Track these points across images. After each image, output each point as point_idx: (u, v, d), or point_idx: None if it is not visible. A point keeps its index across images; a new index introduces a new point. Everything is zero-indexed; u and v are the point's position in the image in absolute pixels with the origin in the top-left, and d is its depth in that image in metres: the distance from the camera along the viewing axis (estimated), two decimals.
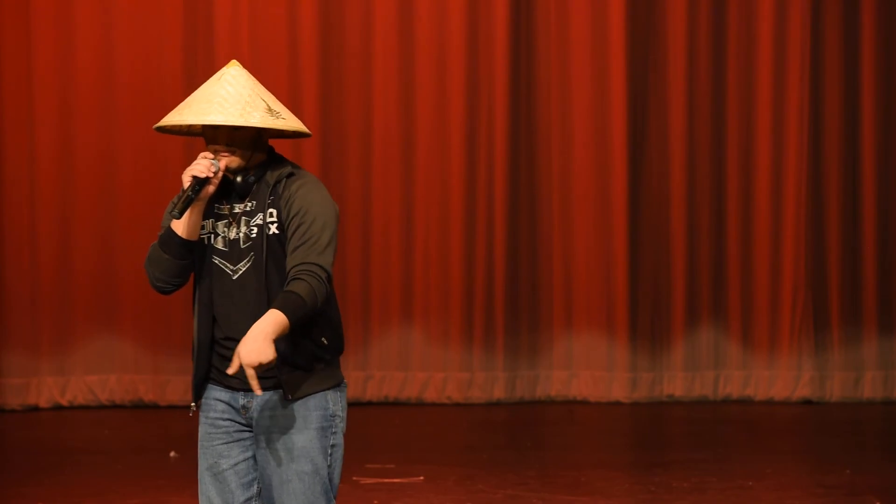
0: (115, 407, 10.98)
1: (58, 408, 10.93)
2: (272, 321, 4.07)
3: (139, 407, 11.01)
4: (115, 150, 10.99)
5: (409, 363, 11.22)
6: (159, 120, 4.51)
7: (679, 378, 11.37)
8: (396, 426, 10.41)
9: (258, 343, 4.04)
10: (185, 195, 4.27)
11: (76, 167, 10.97)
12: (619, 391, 11.32)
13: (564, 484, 8.02)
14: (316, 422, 4.26)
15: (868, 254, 11.44)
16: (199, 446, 4.36)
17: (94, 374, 10.99)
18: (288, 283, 4.17)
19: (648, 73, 11.41)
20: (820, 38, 11.41)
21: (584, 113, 11.31)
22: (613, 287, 11.31)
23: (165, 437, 9.69)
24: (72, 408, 10.93)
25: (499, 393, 11.26)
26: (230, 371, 4.10)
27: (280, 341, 4.12)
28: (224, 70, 4.36)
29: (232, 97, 4.28)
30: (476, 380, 11.25)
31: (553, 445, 9.83)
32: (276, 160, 4.39)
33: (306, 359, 4.27)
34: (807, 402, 11.34)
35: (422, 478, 8.07)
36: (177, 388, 11.03)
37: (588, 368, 11.33)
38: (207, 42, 11.04)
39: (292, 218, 4.23)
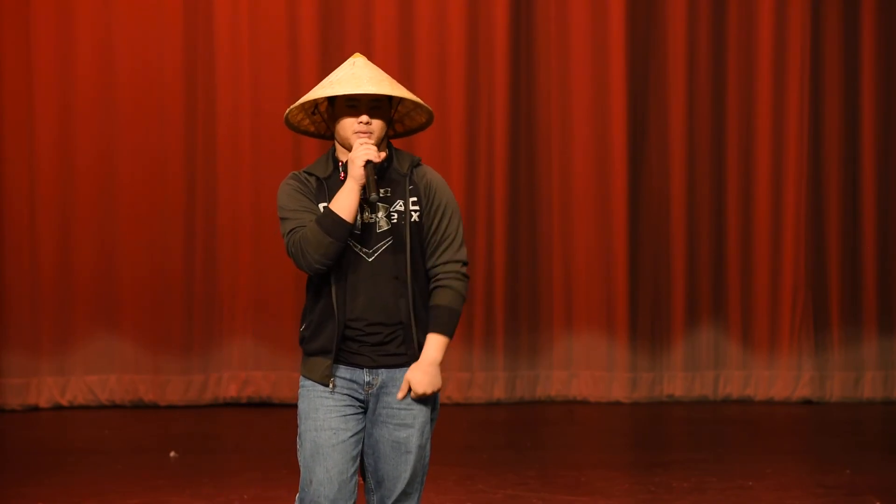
0: (115, 407, 10.98)
1: (58, 408, 10.93)
2: (439, 347, 4.50)
3: (139, 407, 11.01)
4: (115, 150, 10.99)
5: None
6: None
7: (679, 378, 11.37)
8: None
9: (430, 375, 4.50)
10: (372, 180, 4.40)
11: (76, 167, 10.97)
12: (619, 391, 11.32)
13: (564, 484, 8.02)
14: (432, 400, 4.59)
15: (868, 254, 11.44)
16: (308, 418, 4.53)
17: (94, 374, 10.99)
18: (437, 290, 4.54)
19: (648, 74, 11.41)
20: (820, 39, 11.41)
21: (584, 113, 11.32)
22: (613, 287, 11.32)
23: (165, 437, 9.69)
24: (72, 408, 10.93)
25: (499, 393, 11.27)
26: (399, 397, 4.49)
27: (421, 326, 4.50)
28: (353, 59, 4.59)
29: (368, 77, 4.51)
30: (476, 380, 11.26)
31: (553, 445, 9.83)
32: (398, 150, 4.63)
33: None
34: (807, 402, 11.34)
35: None
36: (177, 388, 11.03)
37: (588, 368, 11.33)
38: (207, 42, 11.04)
39: (434, 210, 4.51)
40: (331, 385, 4.51)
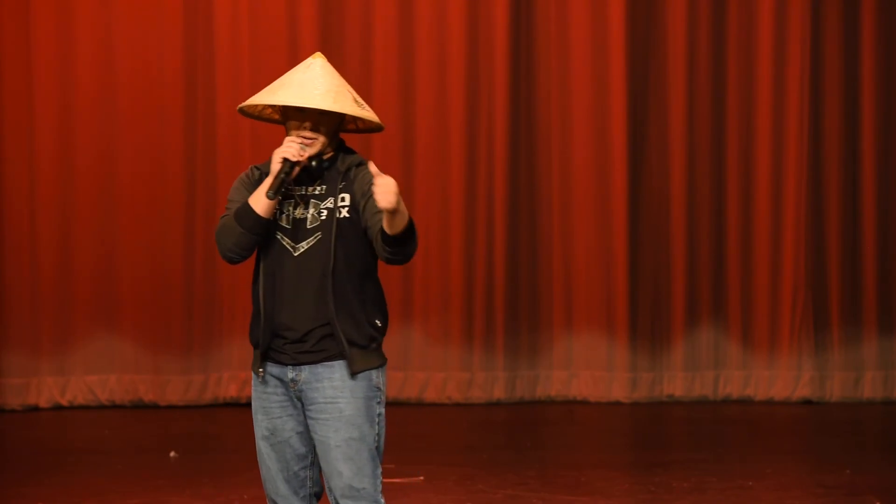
0: (115, 407, 10.98)
1: (58, 408, 10.93)
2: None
3: (139, 407, 11.01)
4: (115, 151, 10.98)
5: (408, 363, 11.23)
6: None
7: (679, 378, 11.37)
8: (396, 426, 10.39)
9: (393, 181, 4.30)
10: (279, 177, 4.47)
11: (76, 167, 10.97)
12: (619, 391, 11.32)
13: (564, 484, 8.02)
14: (362, 391, 4.55)
15: (868, 254, 11.44)
16: (254, 418, 4.66)
17: (94, 374, 10.99)
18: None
19: (648, 74, 11.41)
20: (820, 39, 11.41)
21: (584, 113, 11.32)
22: (613, 287, 11.32)
23: (165, 437, 9.70)
24: (72, 408, 10.93)
25: (499, 393, 11.27)
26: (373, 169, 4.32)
27: (346, 321, 4.51)
28: (311, 60, 4.67)
29: (323, 85, 4.57)
30: (476, 380, 11.26)
31: (553, 445, 9.83)
32: (346, 150, 4.67)
33: (365, 338, 4.58)
34: (807, 402, 11.34)
35: (422, 478, 8.07)
36: (177, 388, 11.03)
37: (588, 368, 11.33)
38: (207, 42, 11.04)
39: (364, 193, 4.50)
40: (259, 375, 4.62)
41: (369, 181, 4.44)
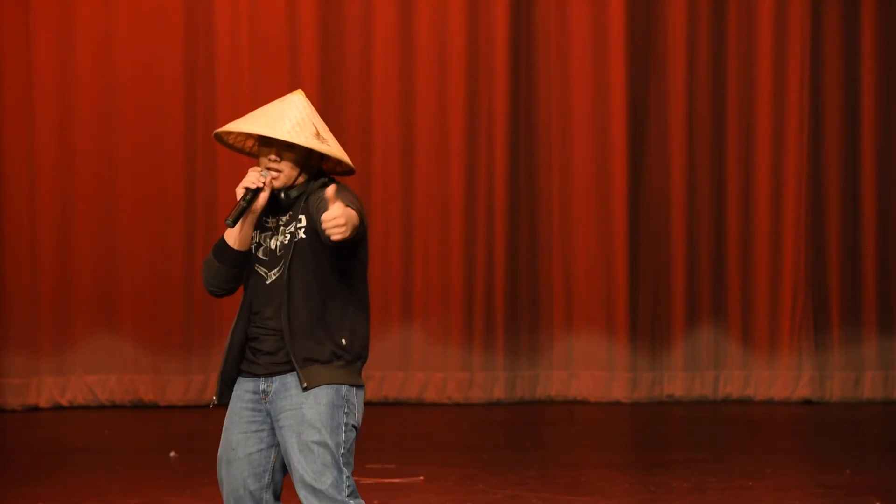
0: (115, 407, 10.98)
1: (58, 408, 10.93)
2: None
3: (139, 407, 11.01)
4: (115, 152, 10.98)
5: (409, 363, 11.23)
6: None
7: (679, 378, 11.37)
8: (396, 426, 10.41)
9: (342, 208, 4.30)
10: (239, 205, 4.54)
11: (76, 168, 10.97)
12: (619, 391, 11.32)
13: (564, 484, 8.02)
14: (325, 398, 4.55)
15: (868, 254, 11.44)
16: (222, 432, 4.70)
17: (94, 374, 10.99)
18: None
19: (648, 74, 11.41)
20: (820, 38, 11.41)
21: (584, 113, 11.31)
22: (613, 287, 11.31)
23: (165, 437, 9.70)
24: (72, 408, 10.93)
25: (499, 393, 11.27)
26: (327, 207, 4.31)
27: (301, 338, 4.54)
28: (289, 95, 4.68)
29: (287, 117, 4.58)
30: (476, 380, 11.26)
31: (553, 445, 9.83)
32: (314, 179, 4.67)
33: (325, 356, 4.58)
34: (807, 402, 11.34)
35: (422, 478, 8.07)
36: (177, 388, 11.03)
37: (588, 368, 11.33)
38: (207, 43, 11.04)
39: (317, 205, 4.51)
40: (211, 404, 4.79)
41: (321, 199, 4.47)
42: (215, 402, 4.75)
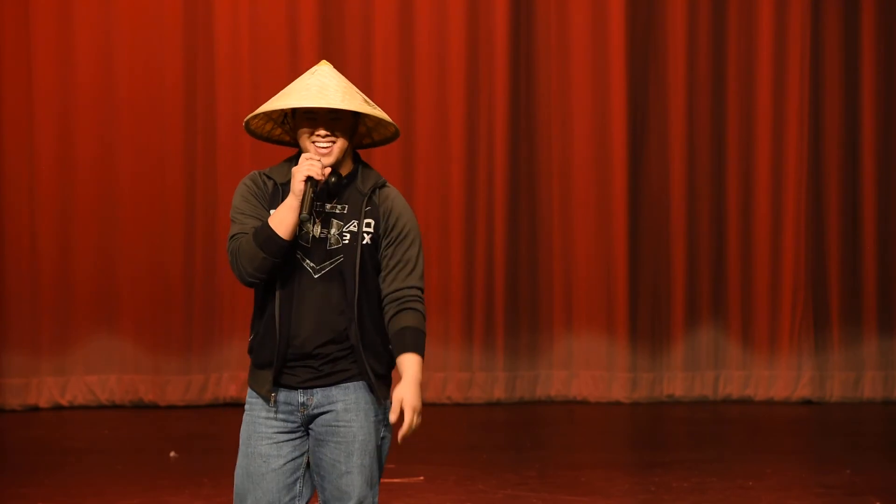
0: (115, 407, 10.98)
1: (58, 408, 10.93)
2: (420, 367, 4.49)
3: (139, 407, 11.01)
4: (115, 151, 10.98)
5: None
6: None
7: (679, 378, 11.37)
8: (396, 426, 10.40)
9: (418, 395, 4.44)
10: (307, 196, 4.25)
11: (76, 168, 10.97)
12: (619, 391, 11.32)
13: (564, 484, 8.02)
14: (374, 416, 4.46)
15: (868, 254, 11.44)
16: (242, 444, 4.45)
17: (94, 374, 10.99)
18: (402, 313, 4.51)
19: (648, 74, 11.41)
20: (820, 38, 11.41)
21: (584, 113, 11.32)
22: (613, 287, 11.32)
23: (165, 437, 9.69)
24: (72, 408, 10.93)
25: (499, 393, 11.27)
26: (392, 418, 4.37)
27: (369, 349, 4.43)
28: (316, 67, 4.43)
29: (330, 87, 4.33)
30: (476, 380, 11.26)
31: (553, 445, 9.83)
32: (365, 166, 4.52)
33: (384, 367, 4.53)
34: (807, 402, 11.35)
35: (422, 478, 8.08)
36: (177, 388, 11.03)
37: (588, 368, 11.33)
38: (207, 43, 11.04)
39: (391, 232, 4.42)
40: (271, 400, 4.44)
41: (397, 219, 4.45)
42: (273, 400, 4.44)
